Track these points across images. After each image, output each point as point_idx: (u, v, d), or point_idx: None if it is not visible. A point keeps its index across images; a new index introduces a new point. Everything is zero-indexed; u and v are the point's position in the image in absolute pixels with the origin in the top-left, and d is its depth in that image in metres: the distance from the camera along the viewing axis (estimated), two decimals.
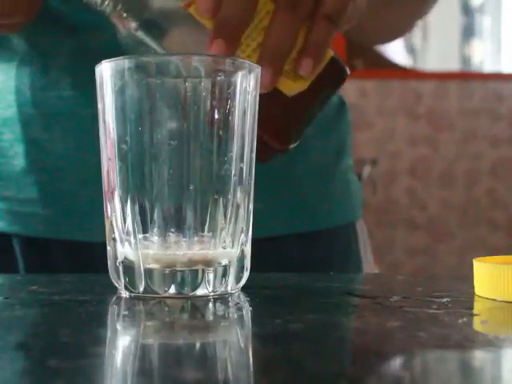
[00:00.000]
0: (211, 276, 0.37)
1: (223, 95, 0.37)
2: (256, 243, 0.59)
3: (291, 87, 0.45)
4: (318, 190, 0.64)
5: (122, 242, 0.38)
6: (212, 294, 0.37)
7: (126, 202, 0.37)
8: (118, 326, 0.32)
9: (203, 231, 0.37)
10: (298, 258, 0.62)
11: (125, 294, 0.38)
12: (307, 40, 0.44)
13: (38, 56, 0.58)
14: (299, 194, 0.62)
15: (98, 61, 0.38)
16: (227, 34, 0.42)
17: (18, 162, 0.59)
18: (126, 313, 0.35)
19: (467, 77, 2.84)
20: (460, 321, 0.32)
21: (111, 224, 0.38)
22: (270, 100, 0.43)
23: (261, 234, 0.60)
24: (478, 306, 0.36)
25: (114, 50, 0.55)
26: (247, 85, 0.38)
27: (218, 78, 0.37)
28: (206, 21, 0.43)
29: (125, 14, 0.44)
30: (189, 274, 0.37)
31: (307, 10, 0.44)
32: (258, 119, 0.40)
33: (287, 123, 0.47)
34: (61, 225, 0.59)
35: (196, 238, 0.37)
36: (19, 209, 0.59)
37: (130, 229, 0.37)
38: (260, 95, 0.41)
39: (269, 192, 0.60)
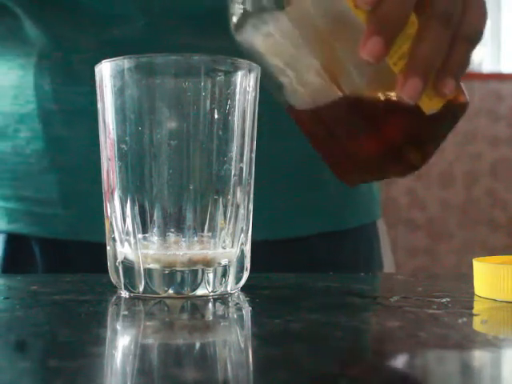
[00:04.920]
0: (211, 276, 0.37)
1: (223, 95, 0.37)
2: (283, 243, 0.59)
3: (428, 105, 0.41)
4: (343, 189, 0.63)
5: (121, 242, 0.38)
6: (212, 294, 0.37)
7: (126, 202, 0.37)
8: (118, 326, 0.32)
9: (203, 231, 0.37)
10: (325, 258, 0.62)
11: (125, 294, 0.38)
12: (450, 58, 0.42)
13: (59, 49, 0.56)
14: (326, 193, 0.62)
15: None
16: (386, 34, 0.38)
17: (36, 160, 0.57)
18: (126, 313, 0.35)
19: (467, 77, 2.82)
20: (460, 321, 0.32)
21: (111, 224, 0.38)
22: (404, 116, 0.42)
23: (288, 235, 0.60)
24: (477, 306, 0.36)
25: (137, 42, 0.54)
26: (247, 85, 0.38)
27: (218, 78, 0.37)
28: (361, 13, 0.39)
29: None
30: (188, 274, 0.37)
31: (456, 26, 0.42)
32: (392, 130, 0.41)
33: (425, 140, 0.44)
34: (82, 226, 0.57)
35: (196, 238, 0.37)
36: (37, 210, 0.57)
37: (130, 229, 0.37)
38: (385, 110, 0.40)
39: (296, 192, 0.60)
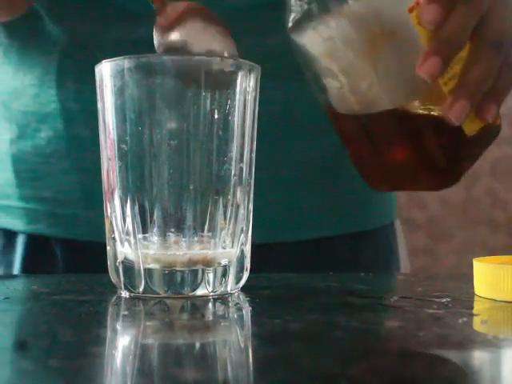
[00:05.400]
0: (211, 276, 0.37)
1: (223, 95, 0.37)
2: (306, 244, 0.59)
3: (470, 127, 0.42)
4: (365, 190, 0.63)
5: (121, 241, 0.38)
6: (212, 294, 0.37)
7: (126, 202, 0.37)
8: (118, 326, 0.32)
9: (203, 231, 0.37)
10: (346, 259, 0.62)
11: (125, 294, 0.38)
12: (497, 84, 0.43)
13: (81, 48, 0.55)
14: (348, 195, 0.62)
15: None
16: (445, 55, 0.40)
17: (57, 160, 0.56)
18: (126, 313, 0.35)
19: None
20: (460, 321, 0.32)
21: (111, 224, 0.38)
22: (445, 134, 0.42)
23: (311, 236, 0.60)
24: (477, 306, 0.36)
25: None
26: (247, 85, 0.38)
27: (218, 78, 0.37)
28: (423, 31, 0.40)
29: None
30: (188, 274, 0.37)
31: (506, 53, 0.42)
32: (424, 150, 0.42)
33: (462, 158, 0.45)
34: (103, 227, 0.57)
35: (196, 238, 0.37)
36: (58, 210, 0.57)
37: (130, 229, 0.37)
38: (428, 126, 0.41)
39: (319, 194, 0.60)
